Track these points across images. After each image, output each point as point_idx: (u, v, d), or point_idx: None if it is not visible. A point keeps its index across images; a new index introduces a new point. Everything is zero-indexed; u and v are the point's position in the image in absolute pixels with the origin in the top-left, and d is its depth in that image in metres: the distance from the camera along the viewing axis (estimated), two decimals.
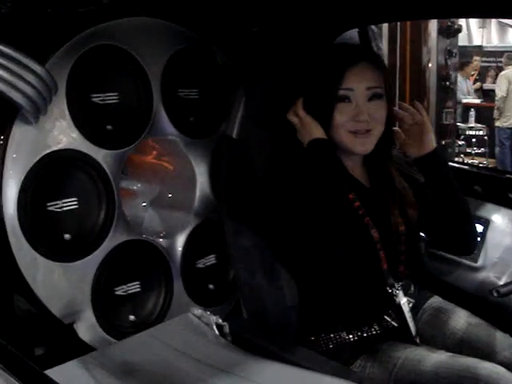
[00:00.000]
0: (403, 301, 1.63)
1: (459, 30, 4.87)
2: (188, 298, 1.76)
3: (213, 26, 1.79)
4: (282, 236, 1.63)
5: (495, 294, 1.82)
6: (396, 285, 1.63)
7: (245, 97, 1.72)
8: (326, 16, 1.82)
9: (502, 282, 1.87)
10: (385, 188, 1.68)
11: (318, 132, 1.60)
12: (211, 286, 1.84)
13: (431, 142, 1.65)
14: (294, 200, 1.58)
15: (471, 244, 1.75)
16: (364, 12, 1.87)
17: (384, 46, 4.75)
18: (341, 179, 1.62)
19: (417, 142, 1.65)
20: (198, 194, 1.80)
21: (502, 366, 1.43)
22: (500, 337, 1.60)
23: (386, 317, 1.63)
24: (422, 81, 5.22)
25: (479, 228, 1.93)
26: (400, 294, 1.63)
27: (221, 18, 1.75)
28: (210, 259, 1.85)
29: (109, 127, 1.58)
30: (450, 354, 1.51)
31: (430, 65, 5.87)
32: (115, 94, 1.59)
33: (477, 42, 13.53)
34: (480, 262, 1.92)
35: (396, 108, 1.68)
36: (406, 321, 1.63)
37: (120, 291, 1.61)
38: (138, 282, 1.64)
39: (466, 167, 2.42)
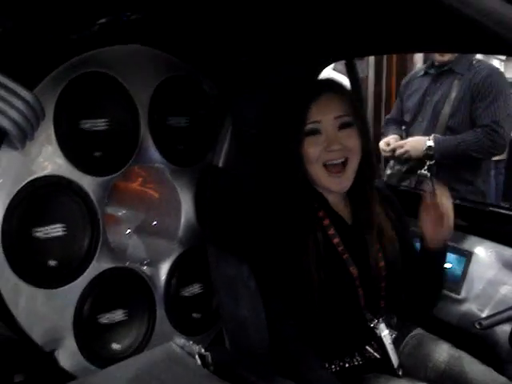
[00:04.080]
0: (384, 333, 1.63)
1: None
2: (171, 326, 1.75)
3: (201, 54, 1.81)
4: (264, 267, 1.63)
5: (478, 327, 1.83)
6: (376, 319, 1.63)
7: (232, 126, 1.74)
8: (313, 48, 1.85)
9: (484, 315, 1.88)
10: (365, 223, 1.68)
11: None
12: (195, 315, 1.84)
13: (444, 235, 1.61)
14: (275, 233, 1.59)
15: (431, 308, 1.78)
16: (350, 45, 1.90)
17: (370, 75, 4.81)
18: (321, 216, 1.63)
19: (432, 226, 1.61)
20: (182, 221, 1.80)
21: None
22: (482, 370, 1.59)
23: (368, 347, 1.63)
24: None
25: (462, 260, 1.95)
26: (381, 326, 1.63)
27: (209, 47, 1.77)
28: (195, 288, 1.84)
29: (96, 154, 1.58)
30: None
31: None
32: (103, 120, 1.59)
33: None
34: (463, 295, 1.94)
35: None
36: (387, 352, 1.63)
37: (102, 319, 1.59)
38: (121, 310, 1.63)
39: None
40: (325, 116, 1.58)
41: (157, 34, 1.68)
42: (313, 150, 1.58)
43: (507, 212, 2.07)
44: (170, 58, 1.75)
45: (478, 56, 2.95)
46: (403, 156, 2.89)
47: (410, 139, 2.89)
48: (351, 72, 2.04)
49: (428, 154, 2.77)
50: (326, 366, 1.59)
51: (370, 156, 1.68)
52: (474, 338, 1.75)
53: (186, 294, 1.82)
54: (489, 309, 1.88)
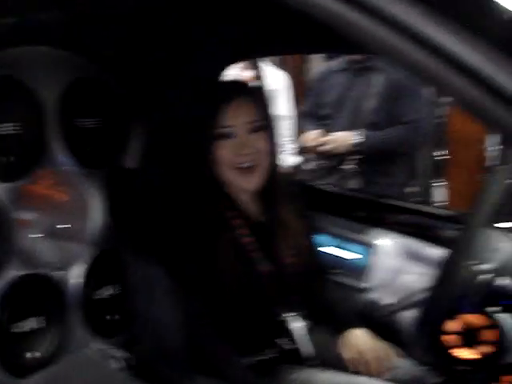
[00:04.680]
0: (294, 326, 1.69)
1: None
2: (88, 330, 1.73)
3: (108, 54, 1.79)
4: (178, 267, 1.64)
5: (383, 314, 1.94)
6: (287, 313, 1.69)
7: (143, 128, 1.73)
8: (218, 46, 1.87)
9: (388, 302, 1.97)
10: (276, 221, 1.73)
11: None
12: (111, 317, 1.82)
13: None
14: (186, 234, 1.62)
15: None
16: (251, 46, 1.93)
17: None
18: (231, 216, 1.66)
19: None
20: (94, 224, 1.77)
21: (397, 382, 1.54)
22: (392, 353, 1.68)
23: (278, 341, 1.68)
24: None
25: (366, 251, 2.04)
26: (292, 319, 1.69)
27: (116, 47, 1.75)
28: (109, 290, 1.83)
29: (3, 159, 1.53)
30: (345, 373, 1.59)
31: None
32: (10, 125, 1.54)
33: None
34: (366, 284, 2.03)
35: None
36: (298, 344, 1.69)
37: (17, 328, 1.55)
38: (35, 318, 1.59)
39: (348, 193, 2.55)
40: (237, 120, 1.60)
41: (64, 34, 1.64)
42: (224, 153, 1.60)
43: (409, 205, 2.19)
44: (78, 59, 1.71)
45: None
46: (330, 152, 2.90)
47: (335, 135, 2.90)
48: (256, 71, 2.07)
49: (354, 149, 2.82)
50: (243, 360, 1.63)
51: (278, 158, 1.73)
52: (379, 324, 1.83)
53: (101, 297, 1.80)
54: (391, 296, 1.97)
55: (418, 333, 1.71)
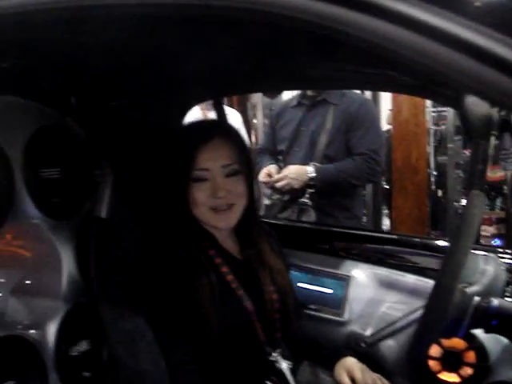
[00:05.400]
0: (284, 366, 1.66)
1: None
2: None
3: (68, 100, 1.74)
4: (160, 316, 1.59)
5: (363, 345, 1.94)
6: (274, 352, 1.66)
7: (112, 175, 1.69)
8: (179, 89, 1.86)
9: (367, 333, 1.98)
10: (255, 258, 1.72)
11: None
12: (86, 374, 1.74)
13: None
14: (167, 280, 1.57)
15: None
16: (215, 86, 1.93)
17: None
18: (212, 254, 1.63)
19: None
20: (64, 277, 1.68)
21: None
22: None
23: (267, 382, 1.64)
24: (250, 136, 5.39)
25: (341, 285, 2.04)
26: (279, 359, 1.66)
27: (76, 92, 1.71)
28: (83, 345, 1.74)
29: None
30: None
31: (254, 121, 6.14)
32: None
33: None
34: (346, 317, 2.03)
35: None
36: None
37: None
38: (13, 381, 1.49)
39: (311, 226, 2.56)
40: (213, 164, 1.58)
41: (24, 82, 1.59)
42: (199, 195, 1.58)
43: (379, 235, 2.21)
44: (39, 107, 1.66)
45: None
46: (285, 188, 2.91)
47: (289, 169, 2.91)
48: (219, 111, 2.07)
49: (309, 183, 2.83)
50: None
51: (254, 198, 1.73)
52: (361, 356, 1.82)
53: (76, 353, 1.71)
54: (372, 326, 1.98)
55: (408, 358, 1.72)
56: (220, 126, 1.75)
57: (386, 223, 5.29)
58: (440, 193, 5.67)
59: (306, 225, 2.61)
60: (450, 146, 4.95)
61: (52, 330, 1.64)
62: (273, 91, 3.59)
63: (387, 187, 5.12)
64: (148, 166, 1.70)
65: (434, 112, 5.48)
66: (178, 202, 1.60)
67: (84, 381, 1.72)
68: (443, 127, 5.71)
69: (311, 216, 2.82)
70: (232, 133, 1.69)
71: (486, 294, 1.44)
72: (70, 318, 1.69)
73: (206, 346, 1.57)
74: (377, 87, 2.63)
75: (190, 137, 1.64)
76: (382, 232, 2.34)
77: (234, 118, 3.64)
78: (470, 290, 1.39)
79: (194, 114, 2.44)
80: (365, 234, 2.24)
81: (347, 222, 2.89)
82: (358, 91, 3.23)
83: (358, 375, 1.65)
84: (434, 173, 5.44)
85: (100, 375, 1.77)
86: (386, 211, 5.43)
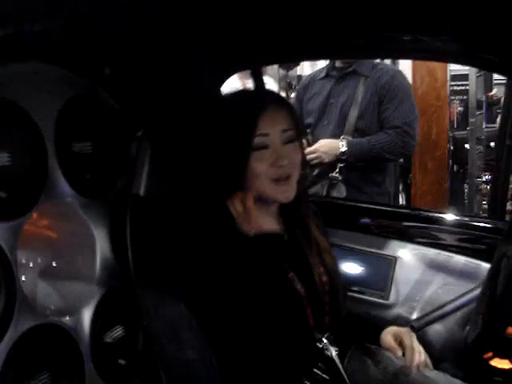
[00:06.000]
0: (333, 353, 1.58)
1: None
2: (100, 379, 1.53)
3: (100, 69, 1.61)
4: (204, 302, 1.49)
5: (410, 330, 1.84)
6: (323, 338, 1.58)
7: (150, 150, 1.57)
8: (216, 57, 1.74)
9: (414, 317, 1.89)
10: (302, 237, 1.63)
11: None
12: (122, 362, 1.63)
13: None
14: (210, 264, 1.46)
15: None
16: (254, 53, 1.82)
17: None
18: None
19: None
20: (99, 260, 1.58)
21: None
22: (434, 373, 1.61)
23: (315, 370, 1.56)
24: None
25: (387, 266, 1.95)
26: (329, 346, 1.58)
27: (109, 61, 1.58)
28: (117, 331, 1.64)
29: (1, 195, 1.33)
30: None
31: None
32: (5, 155, 1.34)
33: None
34: (391, 300, 1.94)
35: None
36: (338, 372, 1.57)
37: None
38: (47, 373, 1.38)
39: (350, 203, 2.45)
40: (272, 128, 1.50)
41: (53, 48, 1.45)
42: (259, 165, 1.49)
43: (427, 214, 2.09)
44: (69, 75, 1.52)
45: None
46: (315, 162, 2.79)
47: (321, 144, 2.79)
48: (257, 80, 1.95)
49: (340, 157, 2.73)
50: None
51: (304, 170, 1.66)
52: None
53: (110, 340, 1.61)
54: (418, 310, 1.90)
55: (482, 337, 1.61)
56: (275, 95, 1.67)
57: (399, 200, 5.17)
58: (455, 168, 5.54)
59: (343, 201, 2.49)
60: (471, 120, 4.80)
61: (87, 315, 1.53)
62: (311, 60, 3.47)
63: (403, 164, 4.99)
64: (190, 138, 1.57)
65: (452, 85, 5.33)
66: (235, 175, 1.50)
67: (119, 369, 1.62)
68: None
69: (341, 191, 2.71)
70: (285, 100, 1.65)
71: None
72: (105, 302, 1.59)
73: (254, 332, 1.48)
74: (417, 55, 2.48)
75: (248, 104, 1.55)
76: (422, 210, 2.21)
77: (271, 87, 3.53)
78: None
79: (233, 83, 2.32)
80: (411, 212, 2.13)
81: (378, 197, 2.78)
82: (389, 62, 3.10)
83: (406, 341, 1.56)
84: (451, 148, 5.30)
85: (136, 363, 1.67)
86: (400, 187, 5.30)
